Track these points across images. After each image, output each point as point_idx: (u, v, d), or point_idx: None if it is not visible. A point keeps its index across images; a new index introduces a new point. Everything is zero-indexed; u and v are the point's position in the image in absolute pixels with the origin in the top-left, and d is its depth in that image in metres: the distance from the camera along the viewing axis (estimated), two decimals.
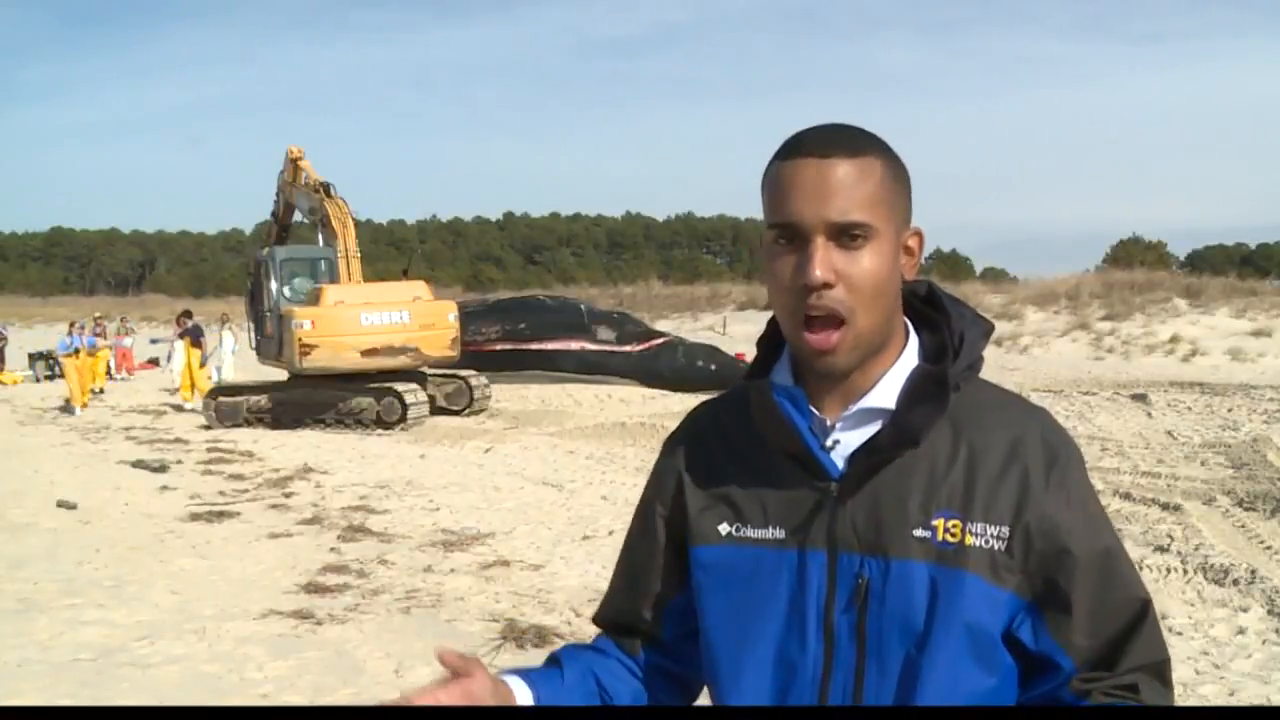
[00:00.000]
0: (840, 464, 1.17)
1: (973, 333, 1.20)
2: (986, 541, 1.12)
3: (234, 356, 21.99)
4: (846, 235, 1.10)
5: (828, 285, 1.10)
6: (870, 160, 1.12)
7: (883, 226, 1.12)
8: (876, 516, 1.14)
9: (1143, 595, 1.16)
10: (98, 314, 23.97)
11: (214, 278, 76.70)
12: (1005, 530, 1.12)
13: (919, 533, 1.13)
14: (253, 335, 17.39)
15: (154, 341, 25.22)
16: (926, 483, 1.14)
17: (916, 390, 1.16)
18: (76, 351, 18.20)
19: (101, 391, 18.71)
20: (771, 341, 1.27)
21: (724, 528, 1.23)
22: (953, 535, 1.12)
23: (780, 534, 1.18)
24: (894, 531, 1.13)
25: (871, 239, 1.11)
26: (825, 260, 1.10)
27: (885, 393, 1.17)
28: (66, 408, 17.68)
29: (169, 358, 22.14)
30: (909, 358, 1.20)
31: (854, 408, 1.18)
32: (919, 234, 1.18)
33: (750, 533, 1.21)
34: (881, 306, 1.14)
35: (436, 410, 16.08)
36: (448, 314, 16.21)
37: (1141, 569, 6.84)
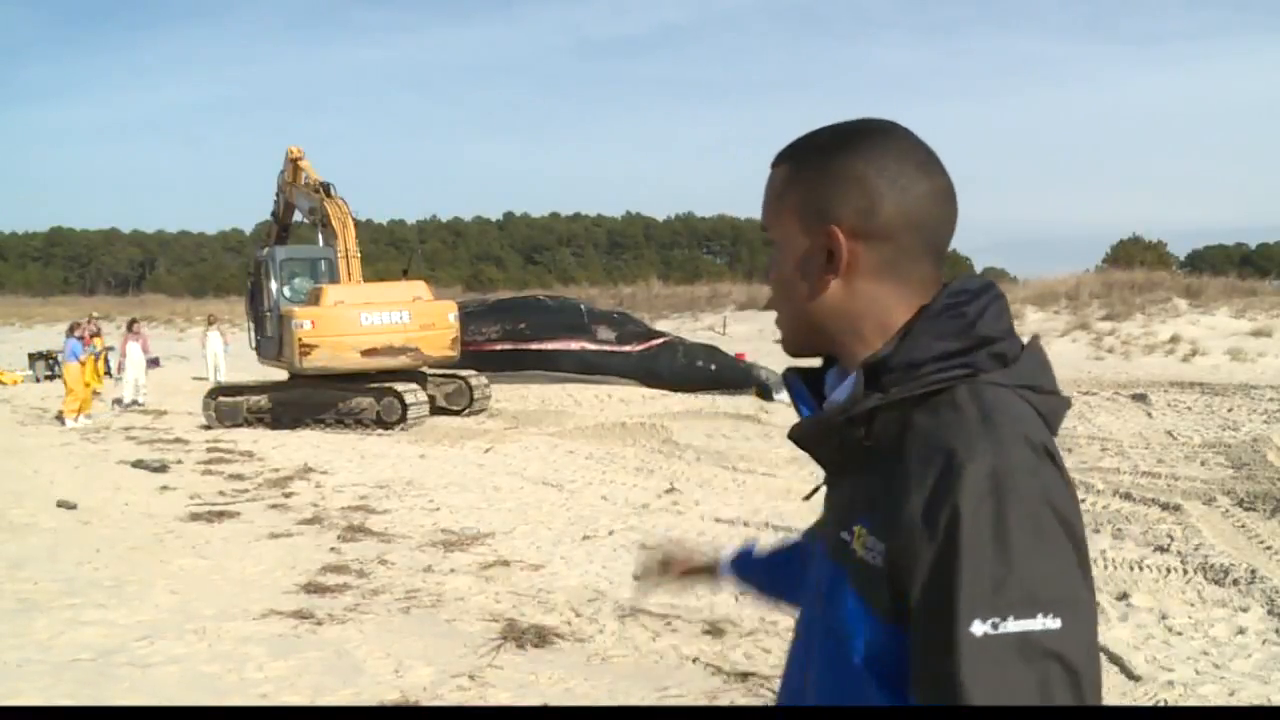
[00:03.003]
0: None
1: (925, 334, 1.08)
2: (872, 557, 1.05)
3: (226, 357, 22.12)
4: (766, 239, 1.21)
5: (770, 282, 1.21)
6: (777, 170, 1.19)
7: (779, 236, 1.18)
8: (837, 515, 1.16)
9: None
10: (95, 314, 23.93)
11: (214, 278, 76.63)
12: (883, 547, 1.03)
13: (844, 535, 1.11)
14: (251, 335, 17.39)
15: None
16: (867, 486, 1.09)
17: (856, 381, 1.11)
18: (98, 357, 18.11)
19: (98, 394, 18.62)
20: None
21: (814, 520, 1.34)
22: (858, 545, 1.07)
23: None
24: (836, 531, 1.14)
25: (774, 244, 1.19)
26: (768, 261, 1.22)
27: (847, 388, 1.16)
28: (65, 420, 16.32)
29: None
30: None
31: (833, 397, 1.19)
32: (828, 233, 1.11)
33: (817, 526, 1.31)
34: (791, 308, 1.18)
35: (436, 410, 16.09)
36: (448, 314, 16.21)
37: (1141, 569, 6.85)
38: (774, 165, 1.19)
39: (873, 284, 1.12)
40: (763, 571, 1.67)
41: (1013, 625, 0.92)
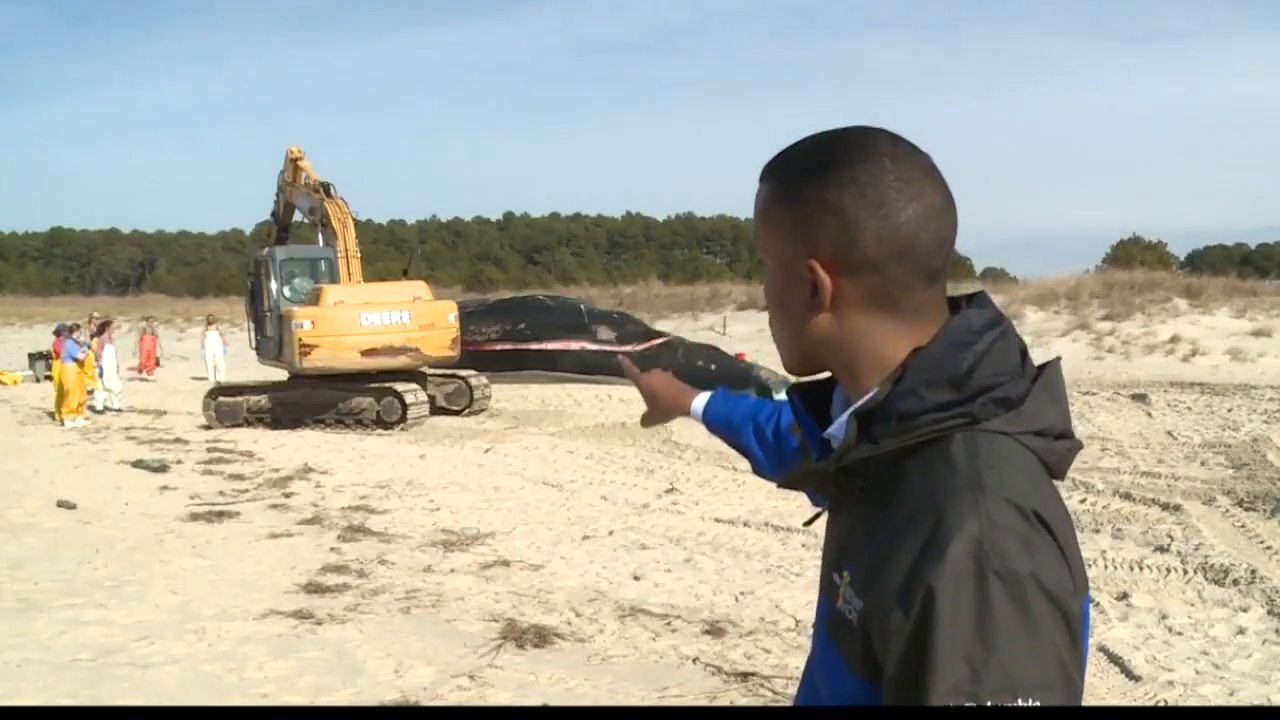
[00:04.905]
0: None
1: (920, 383, 1.01)
2: (849, 610, 1.02)
3: (225, 357, 22.15)
4: None
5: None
6: (761, 189, 1.11)
7: (764, 254, 1.11)
8: (831, 550, 1.12)
9: None
10: (96, 314, 23.87)
11: (214, 278, 76.52)
12: (860, 605, 1.00)
13: (834, 577, 1.07)
14: (251, 335, 17.39)
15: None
16: (857, 530, 1.05)
17: (848, 428, 1.06)
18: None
19: (93, 393, 18.57)
20: None
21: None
22: (841, 593, 1.04)
23: None
24: (828, 570, 1.11)
25: (763, 264, 1.12)
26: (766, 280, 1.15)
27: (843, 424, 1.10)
28: (65, 420, 16.24)
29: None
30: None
31: (830, 430, 1.14)
32: (809, 267, 1.04)
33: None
34: (778, 329, 1.13)
35: (436, 410, 16.09)
36: (448, 314, 16.21)
37: (1141, 569, 6.84)
38: (760, 180, 1.11)
39: (862, 317, 1.05)
40: (721, 423, 1.80)
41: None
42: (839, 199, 1.02)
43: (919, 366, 1.01)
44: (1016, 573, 0.90)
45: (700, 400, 1.84)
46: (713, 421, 1.80)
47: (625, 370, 2.06)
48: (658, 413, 1.91)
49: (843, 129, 1.08)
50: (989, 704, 0.87)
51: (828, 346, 1.08)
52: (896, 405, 1.01)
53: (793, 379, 1.19)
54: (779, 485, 1.16)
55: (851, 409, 1.05)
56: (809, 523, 1.40)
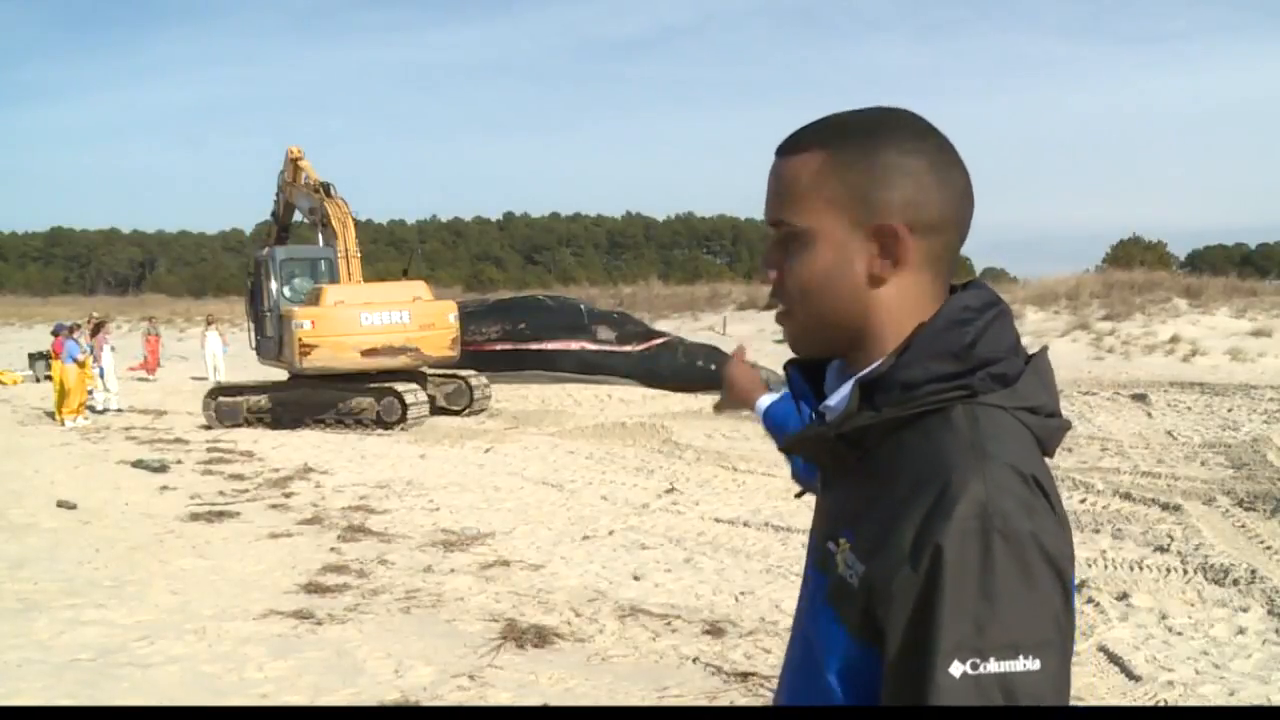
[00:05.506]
0: None
1: (923, 354, 1.04)
2: (850, 576, 1.03)
3: (225, 357, 22.16)
4: (780, 233, 1.11)
5: (773, 279, 1.12)
6: (806, 156, 1.09)
7: (812, 224, 1.08)
8: (825, 522, 1.13)
9: None
10: (95, 314, 23.85)
11: (214, 278, 76.57)
12: (862, 569, 1.01)
13: (830, 545, 1.08)
14: (251, 335, 17.39)
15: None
16: (855, 499, 1.07)
17: (850, 396, 1.08)
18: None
19: (93, 393, 18.52)
20: None
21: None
22: (840, 559, 1.05)
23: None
24: (822, 540, 1.12)
25: (800, 238, 1.09)
26: (770, 256, 1.13)
27: (843, 394, 1.11)
28: (64, 421, 16.16)
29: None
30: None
31: (827, 402, 1.14)
32: (882, 230, 1.05)
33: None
34: (815, 305, 1.09)
35: (436, 410, 16.09)
36: (448, 314, 16.22)
37: (1141, 569, 6.84)
38: (795, 151, 1.10)
39: (915, 281, 1.07)
40: (777, 426, 1.86)
41: (993, 666, 0.91)
42: (914, 164, 1.06)
43: (923, 339, 1.04)
44: (1018, 532, 0.93)
45: (765, 400, 1.94)
46: (769, 422, 1.89)
47: (733, 352, 2.17)
48: (727, 401, 2.04)
49: (880, 107, 1.11)
50: (992, 660, 0.91)
51: (868, 316, 1.08)
52: (900, 375, 1.04)
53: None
54: (779, 448, 1.18)
55: (856, 377, 1.07)
56: (799, 495, 1.45)
